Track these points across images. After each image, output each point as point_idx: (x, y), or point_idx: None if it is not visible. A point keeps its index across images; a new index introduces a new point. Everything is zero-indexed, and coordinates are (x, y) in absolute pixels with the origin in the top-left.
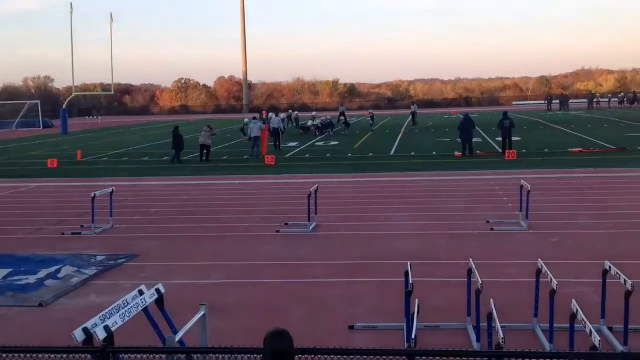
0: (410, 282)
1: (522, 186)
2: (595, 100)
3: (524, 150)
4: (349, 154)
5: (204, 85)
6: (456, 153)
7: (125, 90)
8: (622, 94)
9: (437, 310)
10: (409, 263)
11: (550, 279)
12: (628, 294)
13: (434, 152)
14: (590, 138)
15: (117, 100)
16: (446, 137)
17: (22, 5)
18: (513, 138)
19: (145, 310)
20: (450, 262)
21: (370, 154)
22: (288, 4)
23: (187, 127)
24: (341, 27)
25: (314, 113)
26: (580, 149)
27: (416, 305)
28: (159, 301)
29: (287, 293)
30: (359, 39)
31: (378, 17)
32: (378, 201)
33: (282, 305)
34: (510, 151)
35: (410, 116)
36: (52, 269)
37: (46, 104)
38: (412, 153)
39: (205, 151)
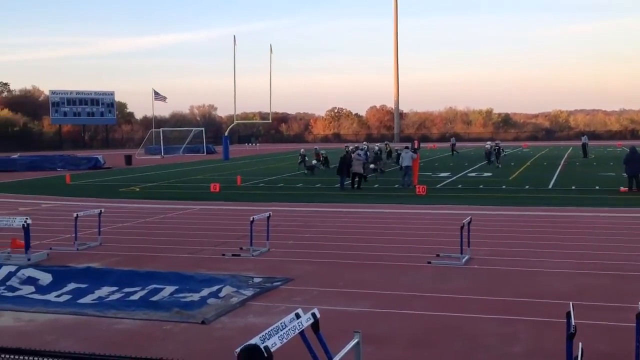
0: (573, 323)
1: None
2: None
3: None
4: (504, 186)
5: (356, 114)
6: (622, 188)
7: (282, 118)
8: None
9: (602, 356)
10: (571, 303)
11: None
12: None
13: (596, 187)
14: None
15: (274, 128)
16: (610, 171)
17: (190, 37)
18: None
19: (301, 333)
20: (615, 305)
21: (527, 186)
22: (440, 31)
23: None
24: (496, 54)
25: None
26: None
27: (580, 349)
28: (315, 325)
29: (439, 326)
30: (515, 67)
31: (535, 43)
32: (535, 236)
33: (434, 338)
34: None
35: (581, 148)
36: (214, 288)
37: (210, 131)
38: (573, 187)
39: (357, 179)
